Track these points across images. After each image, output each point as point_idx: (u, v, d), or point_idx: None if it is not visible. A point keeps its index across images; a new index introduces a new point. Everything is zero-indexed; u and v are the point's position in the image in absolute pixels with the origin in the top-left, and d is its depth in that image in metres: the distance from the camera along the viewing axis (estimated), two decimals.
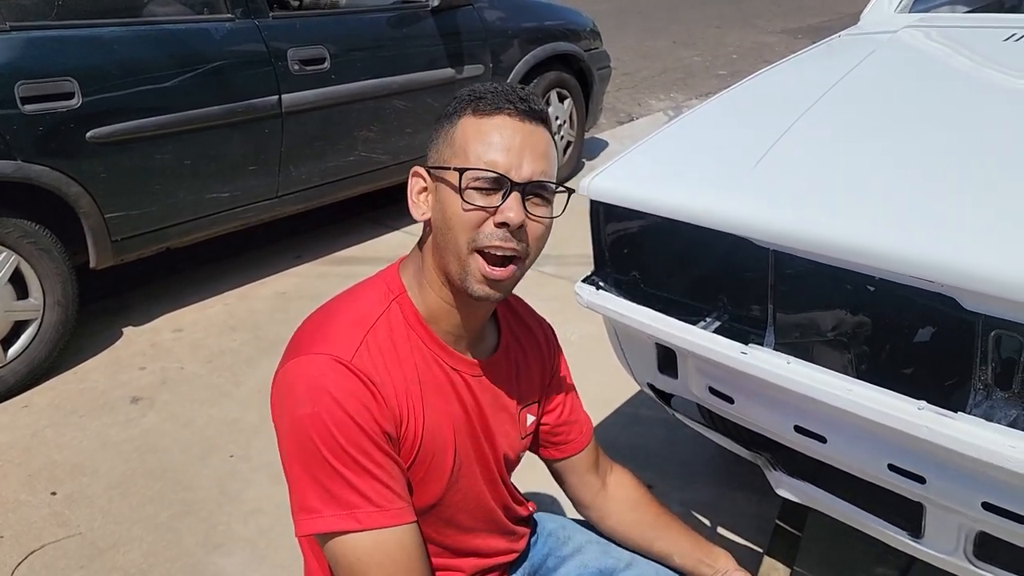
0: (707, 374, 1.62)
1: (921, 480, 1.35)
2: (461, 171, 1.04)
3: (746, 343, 1.48)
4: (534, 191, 1.06)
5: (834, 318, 1.45)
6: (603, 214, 1.70)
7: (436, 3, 3.91)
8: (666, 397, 1.85)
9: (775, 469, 1.68)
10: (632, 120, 6.57)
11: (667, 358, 1.71)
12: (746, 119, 1.88)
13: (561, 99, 4.70)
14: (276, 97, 3.35)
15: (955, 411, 1.25)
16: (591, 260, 1.77)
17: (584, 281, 1.76)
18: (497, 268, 1.05)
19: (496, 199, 1.04)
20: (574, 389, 1.39)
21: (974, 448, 1.21)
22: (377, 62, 3.72)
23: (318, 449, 1.00)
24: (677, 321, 1.57)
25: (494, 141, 1.04)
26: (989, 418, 1.24)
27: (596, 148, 5.60)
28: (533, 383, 1.28)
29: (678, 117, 1.94)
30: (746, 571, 1.31)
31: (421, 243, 1.15)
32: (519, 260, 1.07)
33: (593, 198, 1.68)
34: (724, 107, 1.96)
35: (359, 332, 1.07)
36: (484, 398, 1.18)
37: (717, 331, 1.55)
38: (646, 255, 1.70)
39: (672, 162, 1.73)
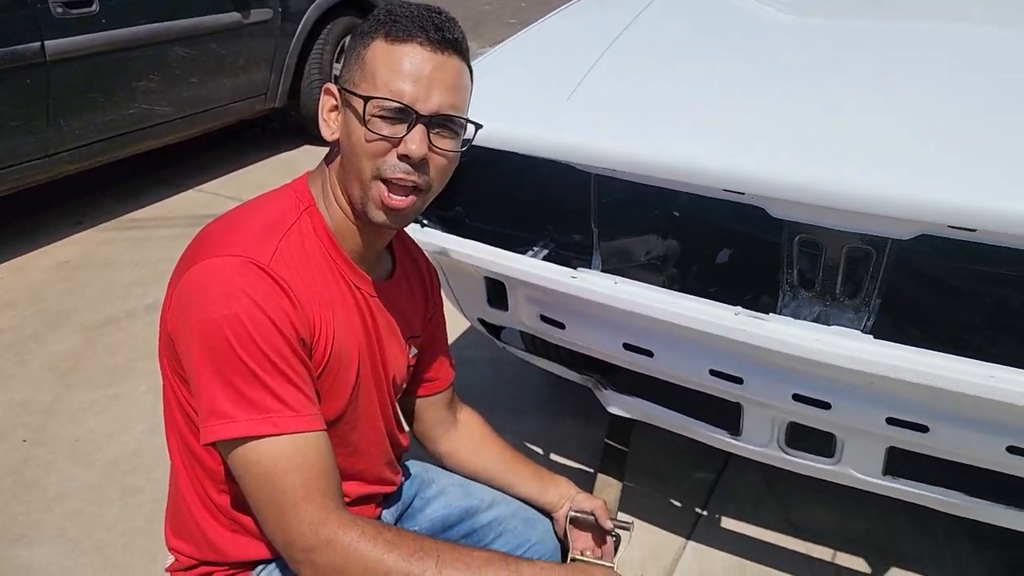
0: (537, 302, 1.65)
1: (739, 381, 1.46)
2: (366, 99, 1.01)
3: (574, 269, 1.52)
4: (440, 124, 1.04)
5: (656, 236, 1.52)
6: None
7: None
8: (496, 331, 1.87)
9: (605, 388, 1.75)
10: None
11: (496, 291, 1.72)
12: (553, 56, 1.90)
13: None
14: (38, 44, 2.99)
15: (767, 313, 1.36)
16: None
17: None
18: (397, 197, 1.04)
19: (400, 130, 1.02)
20: (446, 329, 1.38)
21: (785, 345, 1.31)
22: (154, 5, 3.41)
23: (234, 352, 0.96)
24: (505, 252, 1.58)
25: (403, 70, 1.01)
26: (797, 316, 1.35)
27: None
28: (418, 315, 1.28)
29: (484, 57, 1.93)
30: (586, 492, 1.36)
31: (329, 159, 1.12)
32: (421, 192, 1.05)
33: None
34: (528, 46, 1.97)
35: (273, 238, 1.04)
36: (380, 320, 1.17)
37: (545, 259, 1.58)
38: (469, 189, 1.69)
39: (487, 97, 1.72)
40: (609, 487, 1.91)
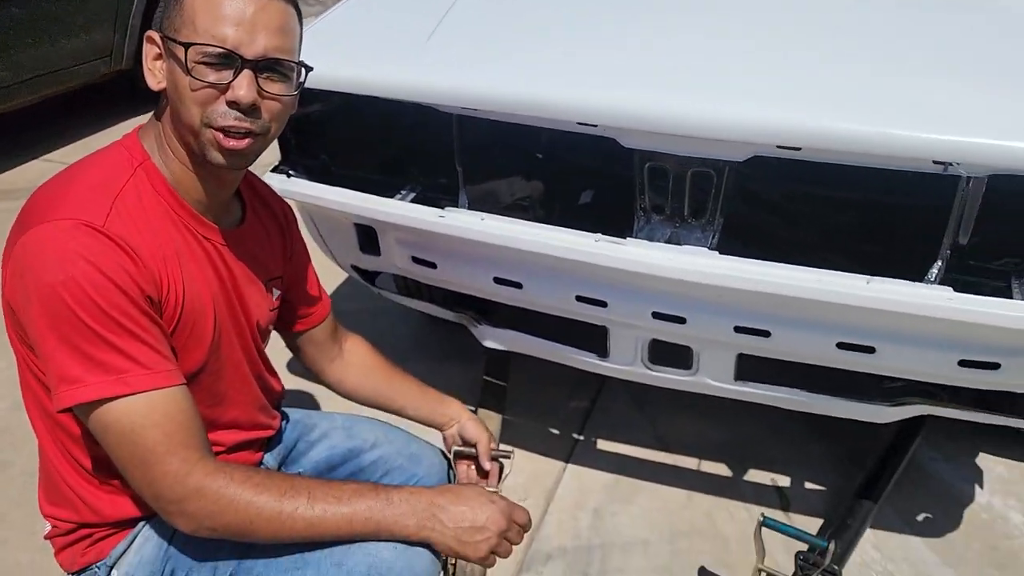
0: (408, 244, 1.70)
1: (604, 304, 1.56)
2: (187, 45, 0.98)
3: (442, 209, 1.57)
4: (269, 68, 1.02)
5: (519, 175, 1.59)
6: None
7: None
8: (371, 277, 1.90)
9: (479, 324, 1.82)
10: None
11: (368, 237, 1.75)
12: (403, 4, 1.91)
13: None
14: None
15: (624, 238, 1.45)
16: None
17: (273, 171, 1.72)
18: (233, 139, 1.02)
19: (227, 76, 0.99)
20: (311, 264, 1.39)
21: (641, 265, 1.42)
22: None
23: (76, 315, 0.94)
24: (374, 197, 1.61)
25: (224, 14, 0.98)
26: (651, 239, 1.46)
27: None
28: (276, 258, 1.28)
29: (331, 11, 1.91)
30: (474, 417, 1.43)
31: (158, 112, 1.08)
32: (258, 136, 1.04)
33: None
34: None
35: (107, 197, 1.00)
36: (235, 268, 1.16)
37: (414, 201, 1.62)
38: (334, 136, 1.71)
39: (345, 44, 1.73)
40: (490, 419, 1.99)
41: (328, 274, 2.00)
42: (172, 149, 1.08)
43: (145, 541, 1.20)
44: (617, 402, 2.25)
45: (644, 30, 1.60)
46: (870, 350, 1.42)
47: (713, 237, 1.44)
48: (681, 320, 1.51)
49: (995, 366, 1.38)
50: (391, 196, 1.64)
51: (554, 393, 2.26)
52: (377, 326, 2.55)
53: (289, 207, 1.35)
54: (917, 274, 1.33)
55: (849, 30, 1.55)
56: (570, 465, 2.05)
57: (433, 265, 1.70)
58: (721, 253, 1.41)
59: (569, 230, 1.48)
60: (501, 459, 1.38)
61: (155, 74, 1.05)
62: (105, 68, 3.91)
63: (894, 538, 1.85)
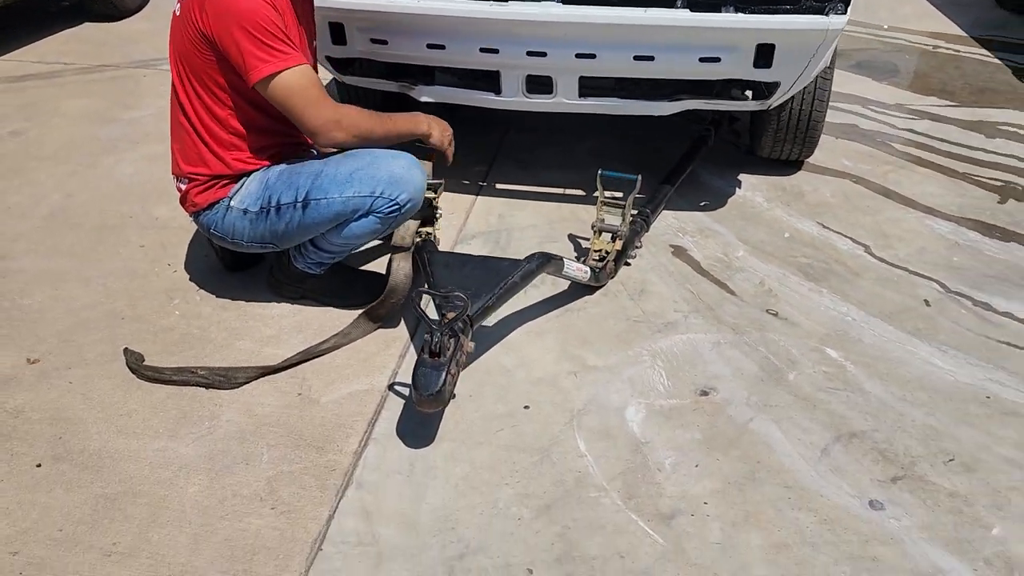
0: (367, 30, 2.61)
1: (496, 51, 2.53)
2: None
3: None
4: None
5: None
6: None
7: None
8: (340, 64, 2.79)
9: (416, 86, 2.76)
10: None
11: (337, 32, 2.65)
12: None
13: None
14: None
15: (507, 1, 2.43)
16: None
17: None
18: None
19: None
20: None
21: (518, 16, 2.40)
22: None
23: (262, 26, 1.93)
24: None
25: None
26: (535, 1, 2.43)
27: None
28: (312, 23, 2.29)
29: None
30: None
31: None
32: None
33: None
34: None
35: None
36: (303, 20, 2.18)
37: None
38: None
39: None
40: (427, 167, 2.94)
41: None
42: None
43: (251, 181, 2.15)
44: (507, 164, 3.25)
45: None
46: (651, 58, 2.47)
47: None
48: (543, 54, 2.51)
49: (716, 60, 2.45)
50: None
51: (465, 160, 3.23)
52: None
53: None
54: (670, 3, 2.38)
55: None
56: (479, 197, 3.04)
57: (385, 42, 2.62)
58: (564, 5, 2.41)
59: (472, 0, 2.44)
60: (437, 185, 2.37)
61: None
62: None
63: (684, 213, 2.95)
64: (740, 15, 2.33)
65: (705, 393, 2.12)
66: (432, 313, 2.09)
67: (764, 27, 2.34)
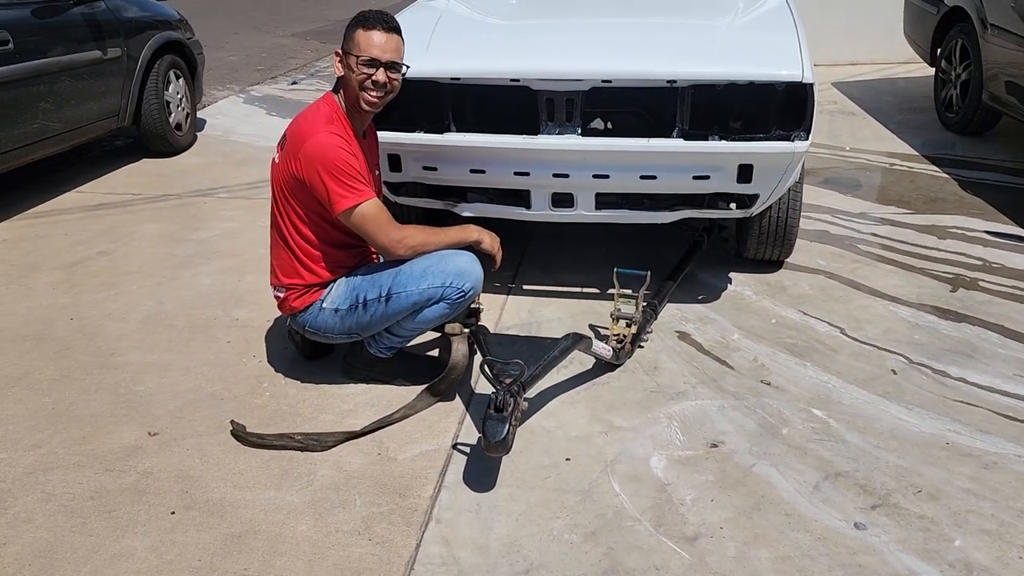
0: (420, 159, 3.18)
1: (527, 174, 3.10)
2: (358, 56, 2.53)
3: (441, 134, 3.09)
4: (391, 66, 2.57)
5: (479, 110, 3.14)
6: None
7: None
8: (395, 188, 3.36)
9: (459, 203, 3.32)
10: (211, 104, 7.64)
11: (395, 161, 3.22)
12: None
13: (177, 78, 5.73)
14: None
15: (536, 136, 3.02)
16: None
17: None
18: (372, 94, 2.57)
19: (374, 71, 2.55)
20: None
21: (546, 146, 2.98)
22: (49, 43, 4.51)
23: (342, 169, 2.47)
24: (399, 134, 3.10)
25: (373, 43, 2.54)
26: (550, 134, 3.02)
27: (199, 124, 6.64)
28: (376, 155, 2.84)
29: None
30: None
31: (336, 87, 2.63)
32: (383, 97, 2.59)
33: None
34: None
35: (336, 123, 2.56)
36: (367, 155, 2.71)
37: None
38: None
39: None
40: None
41: None
42: (348, 102, 2.61)
43: (338, 285, 2.69)
44: (531, 269, 3.79)
45: (537, 28, 3.24)
46: (654, 177, 3.04)
47: (579, 129, 3.03)
48: (566, 176, 3.08)
49: (707, 177, 3.02)
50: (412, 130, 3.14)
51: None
52: None
53: (376, 133, 2.89)
54: (669, 134, 2.97)
55: (624, 25, 3.25)
56: (510, 296, 3.55)
57: (435, 168, 3.19)
58: (583, 137, 3.00)
59: (508, 135, 3.03)
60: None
61: (338, 68, 2.60)
62: (115, 124, 5.19)
63: (685, 304, 3.46)
64: (724, 142, 2.92)
65: (715, 445, 2.57)
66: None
67: (744, 151, 2.93)
